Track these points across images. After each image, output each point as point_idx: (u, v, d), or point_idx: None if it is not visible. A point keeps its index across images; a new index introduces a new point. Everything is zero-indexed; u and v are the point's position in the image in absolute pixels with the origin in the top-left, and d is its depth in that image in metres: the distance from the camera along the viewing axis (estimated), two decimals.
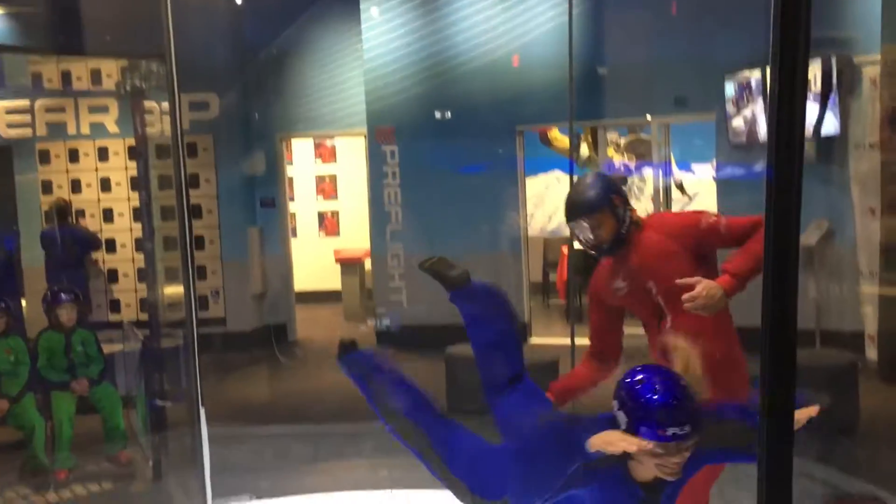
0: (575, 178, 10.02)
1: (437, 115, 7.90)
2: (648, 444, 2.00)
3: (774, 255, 1.15)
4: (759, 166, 6.99)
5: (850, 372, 4.92)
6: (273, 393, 7.05)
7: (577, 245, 3.07)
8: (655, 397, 2.04)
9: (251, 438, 5.42)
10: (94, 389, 5.01)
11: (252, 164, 8.48)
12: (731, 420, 2.28)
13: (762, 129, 6.66)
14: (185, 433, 4.75)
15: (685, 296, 2.71)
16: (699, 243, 2.90)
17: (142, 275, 8.00)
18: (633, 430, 2.04)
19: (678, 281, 2.77)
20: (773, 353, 1.18)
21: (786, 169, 1.13)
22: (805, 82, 1.13)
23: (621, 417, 2.08)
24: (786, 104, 1.11)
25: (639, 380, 2.10)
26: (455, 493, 2.68)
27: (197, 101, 7.86)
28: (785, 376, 1.17)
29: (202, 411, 4.40)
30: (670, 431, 2.00)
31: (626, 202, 2.97)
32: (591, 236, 2.94)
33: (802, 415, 2.17)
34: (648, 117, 7.92)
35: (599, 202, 2.91)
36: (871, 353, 5.68)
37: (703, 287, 2.71)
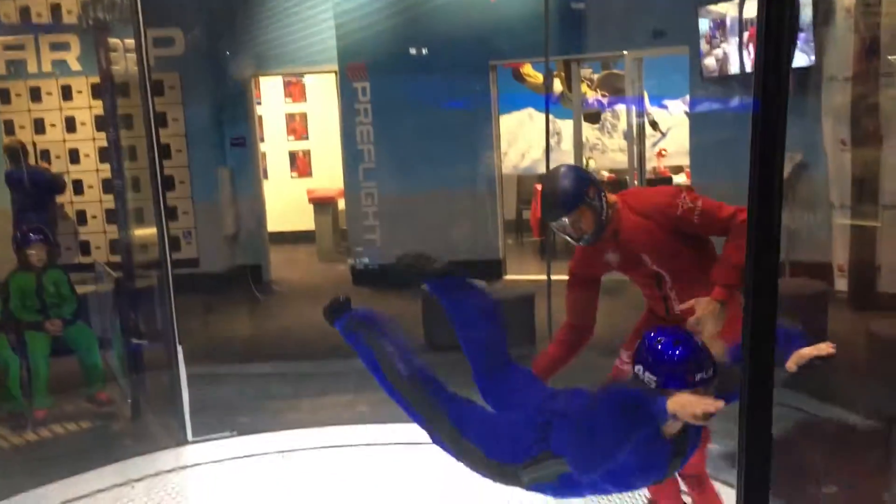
0: (549, 115, 9.98)
1: (413, 51, 7.77)
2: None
3: (759, 201, 1.16)
4: (733, 101, 6.99)
5: (821, 301, 5.02)
6: (250, 332, 7.06)
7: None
8: (678, 351, 2.27)
9: (229, 377, 5.45)
10: (68, 329, 4.97)
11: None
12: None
13: (734, 65, 6.65)
14: (162, 373, 4.77)
15: (691, 320, 2.82)
16: (676, 226, 2.95)
17: (110, 216, 7.89)
18: (663, 385, 2.25)
19: (680, 307, 2.92)
20: (755, 299, 1.20)
21: (772, 102, 1.13)
22: (793, 16, 1.13)
23: (650, 378, 2.27)
24: (773, 38, 1.10)
25: (658, 341, 2.31)
26: (468, 462, 2.66)
27: (162, 37, 7.64)
28: (766, 325, 1.21)
29: (180, 350, 4.42)
30: (698, 377, 2.23)
31: (600, 190, 2.98)
32: (574, 231, 2.96)
33: (810, 352, 2.35)
34: (625, 52, 7.85)
35: (575, 200, 2.90)
36: (841, 283, 5.78)
37: (702, 309, 2.83)
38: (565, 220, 2.93)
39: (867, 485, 3.64)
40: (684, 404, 2.14)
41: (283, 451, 4.41)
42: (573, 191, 2.91)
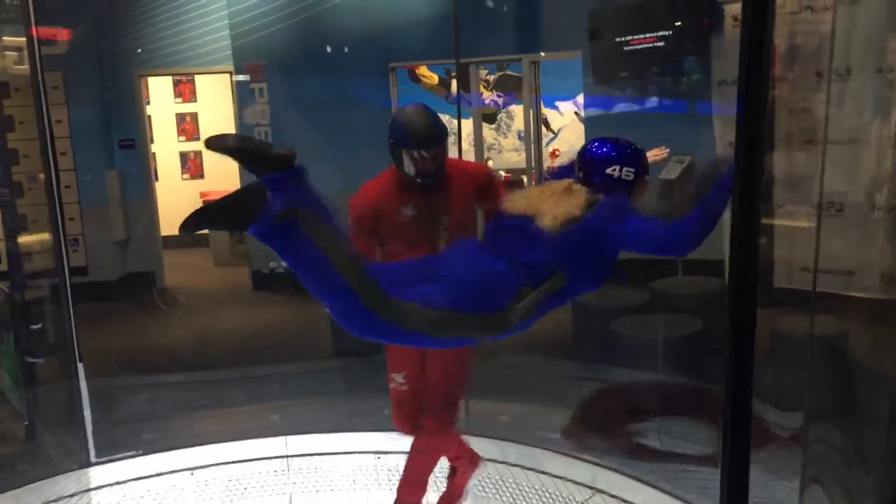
0: (445, 116, 10.06)
1: (327, 49, 7.65)
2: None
3: (741, 194, 1.20)
4: (622, 104, 7.24)
5: (716, 297, 5.25)
6: (147, 343, 6.78)
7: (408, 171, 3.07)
8: (635, 144, 2.70)
9: (130, 390, 5.23)
10: None
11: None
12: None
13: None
14: (58, 388, 4.53)
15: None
16: (482, 194, 3.21)
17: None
18: (640, 172, 2.65)
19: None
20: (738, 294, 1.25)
21: (754, 106, 1.18)
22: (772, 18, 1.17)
23: (628, 171, 2.60)
24: (756, 41, 1.15)
25: (618, 140, 2.66)
26: (452, 333, 2.47)
27: (44, 36, 7.25)
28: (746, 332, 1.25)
29: (81, 365, 4.21)
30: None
31: None
32: (433, 165, 3.04)
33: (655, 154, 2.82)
34: (522, 57, 7.99)
35: (444, 132, 3.06)
36: None
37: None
38: (437, 149, 3.03)
39: None
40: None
41: (191, 469, 4.28)
42: (442, 124, 3.09)
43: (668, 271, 6.39)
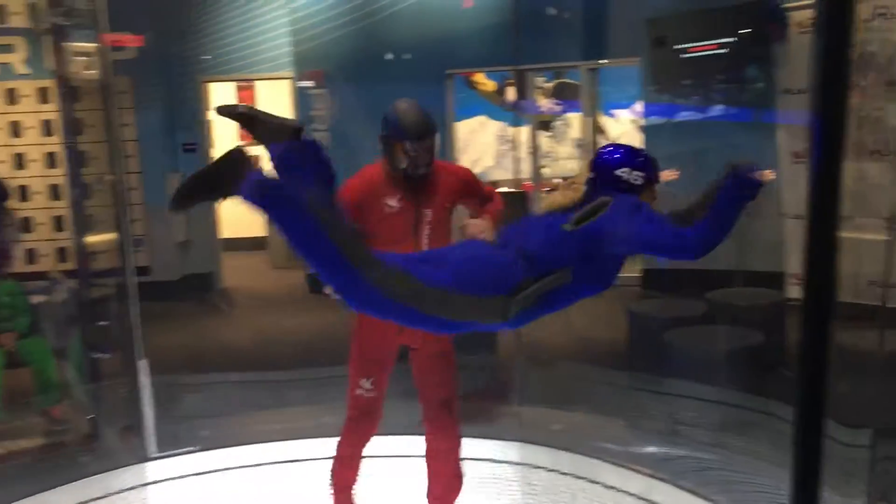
0: (502, 124, 10.06)
1: (385, 56, 7.73)
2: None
3: (816, 209, 1.17)
4: (683, 112, 7.14)
5: (777, 309, 5.15)
6: (208, 342, 6.92)
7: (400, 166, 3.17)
8: (645, 152, 2.77)
9: (190, 388, 5.33)
10: (22, 343, 4.80)
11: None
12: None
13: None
14: (121, 385, 4.63)
15: (477, 223, 3.14)
16: (465, 193, 3.34)
17: (57, 223, 7.67)
18: (649, 177, 2.68)
19: (471, 223, 3.15)
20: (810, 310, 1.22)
21: (831, 115, 1.15)
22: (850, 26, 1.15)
23: (637, 175, 2.64)
24: (833, 47, 1.12)
25: (630, 147, 2.75)
26: (450, 314, 2.43)
27: (114, 42, 7.46)
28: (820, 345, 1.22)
29: (143, 362, 4.30)
30: None
31: None
32: (425, 157, 3.12)
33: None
34: (580, 64, 7.96)
35: (436, 126, 3.17)
36: (794, 291, 5.92)
37: (486, 226, 3.14)
38: (429, 141, 3.11)
39: None
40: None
41: (247, 466, 4.34)
42: (433, 119, 3.19)
43: (726, 282, 6.29)
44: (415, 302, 2.36)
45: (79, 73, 6.06)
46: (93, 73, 4.63)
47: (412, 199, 3.20)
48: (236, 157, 2.21)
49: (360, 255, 2.28)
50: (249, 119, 2.25)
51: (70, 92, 4.87)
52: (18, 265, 7.62)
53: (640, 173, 2.65)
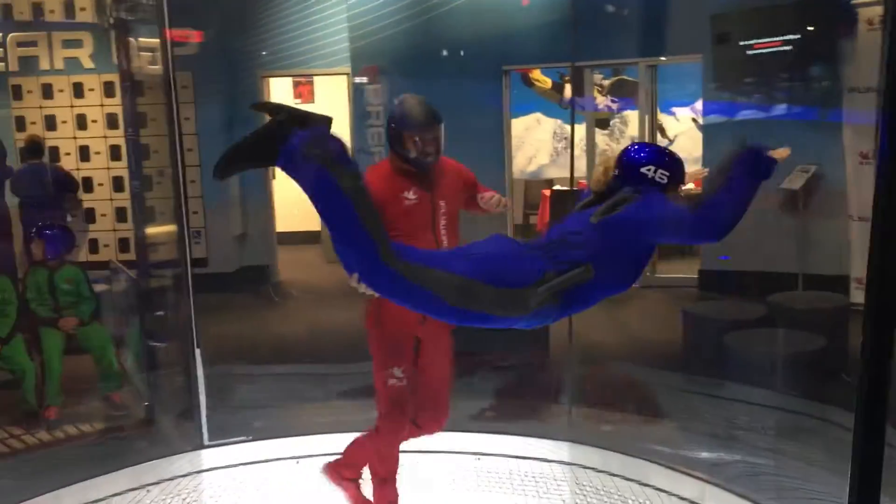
0: (557, 121, 9.99)
1: (442, 52, 7.74)
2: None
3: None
4: (745, 111, 6.99)
5: (840, 314, 5.00)
6: (263, 334, 7.01)
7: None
8: (673, 152, 2.77)
9: (244, 379, 5.41)
10: (84, 329, 4.94)
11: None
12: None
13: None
14: (177, 373, 4.72)
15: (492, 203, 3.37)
16: (468, 188, 3.44)
17: (120, 214, 7.86)
18: (673, 178, 2.67)
19: (485, 195, 3.37)
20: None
21: None
22: None
23: (662, 174, 2.63)
24: None
25: (656, 147, 2.81)
26: (473, 299, 2.44)
27: (176, 37, 7.62)
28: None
29: (198, 352, 4.38)
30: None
31: None
32: (433, 146, 3.23)
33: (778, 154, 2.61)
34: (639, 61, 7.85)
35: (441, 117, 3.28)
36: (859, 295, 5.75)
37: (499, 197, 3.42)
38: (438, 130, 3.24)
39: None
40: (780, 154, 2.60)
41: (297, 458, 4.38)
42: (438, 111, 3.30)
43: (787, 285, 6.15)
44: (438, 289, 2.39)
45: (142, 68, 6.21)
46: (155, 68, 4.72)
47: (427, 191, 3.28)
48: (278, 126, 2.25)
49: (385, 242, 2.33)
50: (280, 111, 2.31)
51: (133, 86, 4.97)
52: (83, 255, 7.87)
53: (665, 172, 2.65)
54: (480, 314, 2.49)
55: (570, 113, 9.87)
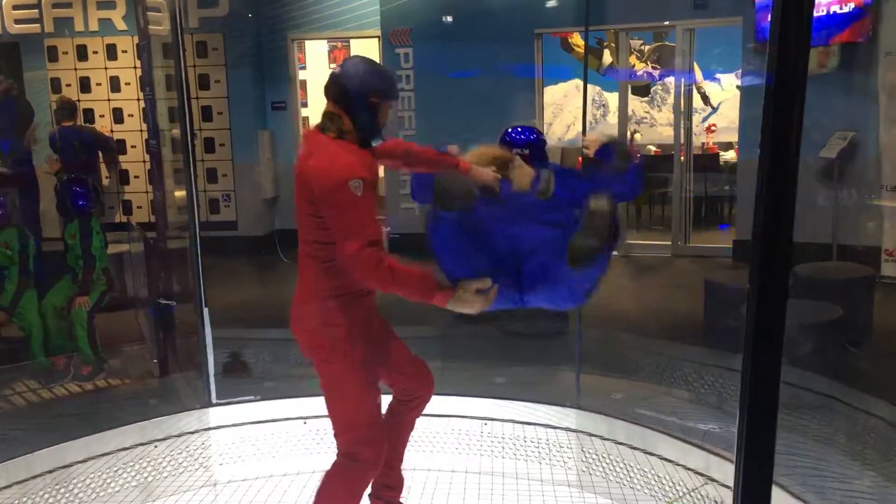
0: (596, 88, 9.78)
1: (451, 19, 7.63)
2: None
3: (770, 175, 1.05)
4: None
5: (867, 285, 4.81)
6: (280, 298, 7.05)
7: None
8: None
9: (256, 342, 5.44)
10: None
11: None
12: None
13: None
14: (189, 334, 4.76)
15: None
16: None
17: (151, 176, 7.95)
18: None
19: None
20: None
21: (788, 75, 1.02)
22: None
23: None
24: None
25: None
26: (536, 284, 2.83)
27: None
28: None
29: (206, 312, 4.41)
30: None
31: None
32: (383, 116, 2.84)
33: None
34: (676, 24, 7.62)
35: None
36: (889, 268, 5.55)
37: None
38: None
39: None
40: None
41: (304, 418, 4.40)
42: None
43: (822, 256, 5.97)
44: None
45: (167, 30, 6.21)
46: (161, 28, 4.71)
47: (375, 173, 2.87)
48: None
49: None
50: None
51: (149, 47, 4.97)
52: (115, 216, 8.00)
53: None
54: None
55: (608, 80, 9.68)
